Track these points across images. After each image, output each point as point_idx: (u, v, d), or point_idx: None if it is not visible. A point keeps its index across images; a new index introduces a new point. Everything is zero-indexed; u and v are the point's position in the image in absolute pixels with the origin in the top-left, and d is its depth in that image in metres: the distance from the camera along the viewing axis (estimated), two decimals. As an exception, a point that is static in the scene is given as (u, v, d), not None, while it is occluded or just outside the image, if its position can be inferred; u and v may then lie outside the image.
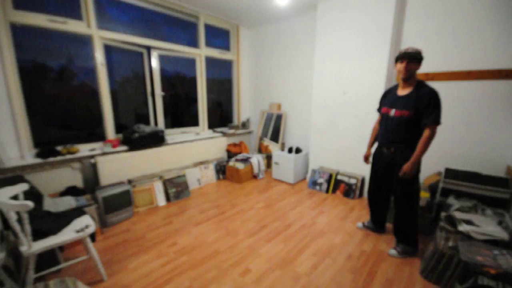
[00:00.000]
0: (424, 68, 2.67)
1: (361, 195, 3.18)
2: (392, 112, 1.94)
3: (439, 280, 1.70)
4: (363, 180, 3.16)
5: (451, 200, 2.22)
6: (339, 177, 3.30)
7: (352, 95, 3.09)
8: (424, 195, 2.53)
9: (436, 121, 1.79)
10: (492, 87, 2.33)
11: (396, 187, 2.04)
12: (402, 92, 1.94)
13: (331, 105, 3.32)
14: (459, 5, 2.41)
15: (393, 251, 2.05)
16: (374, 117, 2.91)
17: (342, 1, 2.98)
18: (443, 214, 2.04)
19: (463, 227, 1.78)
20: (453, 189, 2.35)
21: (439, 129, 2.63)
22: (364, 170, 3.14)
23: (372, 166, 2.22)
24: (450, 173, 2.42)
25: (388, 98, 2.06)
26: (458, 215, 1.93)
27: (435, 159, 2.73)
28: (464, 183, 2.28)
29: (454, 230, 1.82)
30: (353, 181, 3.16)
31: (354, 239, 2.28)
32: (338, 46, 3.11)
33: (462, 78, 2.46)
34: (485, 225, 1.77)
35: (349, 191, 3.18)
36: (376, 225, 2.38)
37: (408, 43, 2.76)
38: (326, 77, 3.31)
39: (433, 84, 2.61)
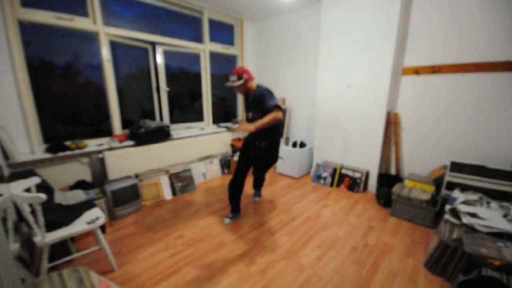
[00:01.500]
0: (431, 61, 2.66)
1: (365, 189, 3.19)
2: (250, 115, 2.33)
3: (443, 272, 1.71)
4: (367, 174, 3.16)
5: (456, 193, 2.22)
6: (343, 171, 3.31)
7: (357, 89, 3.07)
8: (429, 188, 2.54)
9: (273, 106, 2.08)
10: (499, 79, 2.30)
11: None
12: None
13: (335, 99, 3.31)
14: (466, -4, 2.37)
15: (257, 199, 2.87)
16: (379, 111, 2.91)
17: (347, -6, 2.95)
18: (447, 207, 2.04)
19: (467, 220, 1.78)
20: (458, 182, 2.35)
21: (445, 122, 2.65)
22: (369, 164, 3.14)
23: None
24: (456, 167, 2.41)
25: (245, 102, 2.44)
26: (463, 208, 1.93)
27: (440, 152, 2.73)
28: (470, 177, 2.28)
29: (458, 223, 1.83)
30: (357, 175, 3.17)
31: (358, 232, 2.30)
32: (343, 39, 3.09)
33: (469, 70, 2.43)
34: (490, 218, 1.77)
35: (353, 185, 3.19)
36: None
37: (415, 36, 2.73)
38: (331, 71, 3.29)
39: (439, 77, 2.64)
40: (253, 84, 2.27)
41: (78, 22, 2.54)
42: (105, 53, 2.76)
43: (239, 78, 2.19)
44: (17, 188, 1.54)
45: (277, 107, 2.06)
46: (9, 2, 2.15)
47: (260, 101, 2.15)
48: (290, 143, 3.87)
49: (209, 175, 3.67)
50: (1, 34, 2.16)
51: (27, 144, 2.41)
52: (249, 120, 2.31)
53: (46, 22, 2.37)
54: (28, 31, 2.33)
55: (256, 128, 1.99)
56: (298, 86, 4.03)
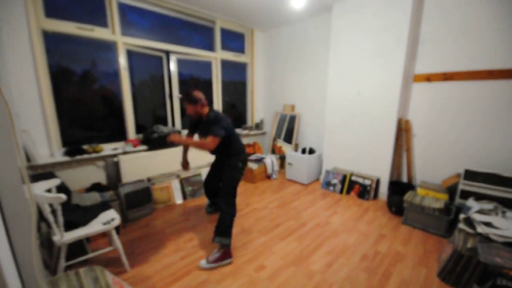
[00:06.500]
0: (443, 68, 2.64)
1: (376, 196, 3.15)
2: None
3: (457, 282, 1.67)
4: (378, 182, 3.13)
5: (470, 202, 2.18)
6: (353, 178, 3.28)
7: (367, 96, 3.08)
8: (442, 197, 2.49)
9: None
10: (514, 86, 2.26)
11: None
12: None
13: (345, 106, 3.32)
14: (479, 3, 2.36)
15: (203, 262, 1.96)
16: (390, 118, 2.90)
17: (358, 3, 2.99)
18: (461, 216, 2.00)
19: (482, 229, 1.75)
20: (472, 191, 2.30)
21: (458, 129, 2.61)
22: (380, 171, 3.11)
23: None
24: (470, 175, 2.37)
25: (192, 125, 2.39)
26: (478, 217, 1.89)
27: (453, 160, 2.68)
28: (484, 185, 2.23)
29: (473, 232, 1.79)
30: (367, 182, 3.14)
31: (368, 239, 2.28)
32: (353, 47, 3.12)
33: (482, 78, 2.40)
34: (505, 228, 1.73)
35: (363, 192, 3.16)
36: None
37: (426, 43, 2.73)
38: (341, 78, 3.31)
39: (451, 84, 2.61)
40: (204, 110, 2.16)
41: (98, 32, 2.67)
42: (122, 61, 2.88)
43: (192, 99, 2.10)
44: (39, 188, 1.62)
45: (215, 136, 1.94)
46: (34, 13, 2.28)
47: (209, 126, 2.04)
48: (300, 149, 3.88)
49: (219, 180, 3.70)
50: (26, 43, 2.29)
51: (47, 147, 2.52)
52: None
53: (68, 32, 2.51)
54: (49, 39, 2.46)
55: (182, 142, 2.13)
56: (307, 93, 4.06)
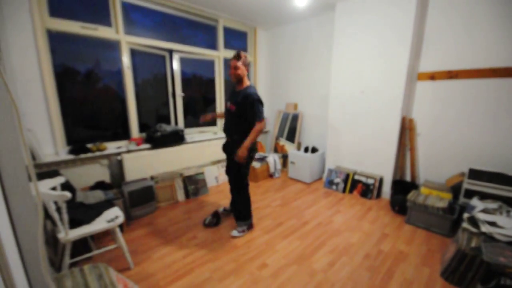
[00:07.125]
0: (447, 66, 2.62)
1: (379, 195, 3.14)
2: (228, 104, 2.29)
3: (460, 282, 1.66)
4: (381, 181, 3.11)
5: (474, 201, 2.16)
6: (356, 177, 3.27)
7: (370, 94, 3.06)
8: (446, 196, 2.48)
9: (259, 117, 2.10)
10: (520, 84, 2.24)
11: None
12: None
13: (348, 105, 3.30)
14: (483, 0, 2.33)
15: (234, 232, 2.32)
16: (394, 116, 2.89)
17: (362, 1, 2.96)
18: (465, 215, 1.99)
19: (486, 228, 1.74)
20: (477, 190, 2.28)
21: (462, 128, 2.59)
22: (383, 170, 3.10)
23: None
24: (474, 174, 2.35)
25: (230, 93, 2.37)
26: (482, 216, 1.88)
27: (457, 159, 2.66)
28: (489, 184, 2.21)
29: (477, 232, 1.78)
30: (370, 181, 3.13)
31: (371, 238, 2.27)
32: (356, 45, 3.10)
33: (487, 76, 2.38)
34: (509, 227, 1.71)
35: (366, 192, 3.15)
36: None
37: (430, 41, 2.71)
38: (344, 77, 3.30)
39: (456, 82, 2.59)
40: (246, 80, 2.23)
41: (102, 32, 2.69)
42: (126, 60, 2.89)
43: (243, 62, 2.14)
44: (44, 186, 1.64)
45: (260, 121, 2.10)
46: (39, 13, 2.30)
47: (246, 104, 2.10)
48: (302, 148, 3.87)
49: (221, 178, 3.72)
50: (31, 42, 2.31)
51: (52, 146, 2.55)
52: (227, 109, 2.30)
53: (72, 31, 2.52)
54: (53, 39, 2.47)
55: (247, 149, 2.09)
56: (310, 91, 4.05)
